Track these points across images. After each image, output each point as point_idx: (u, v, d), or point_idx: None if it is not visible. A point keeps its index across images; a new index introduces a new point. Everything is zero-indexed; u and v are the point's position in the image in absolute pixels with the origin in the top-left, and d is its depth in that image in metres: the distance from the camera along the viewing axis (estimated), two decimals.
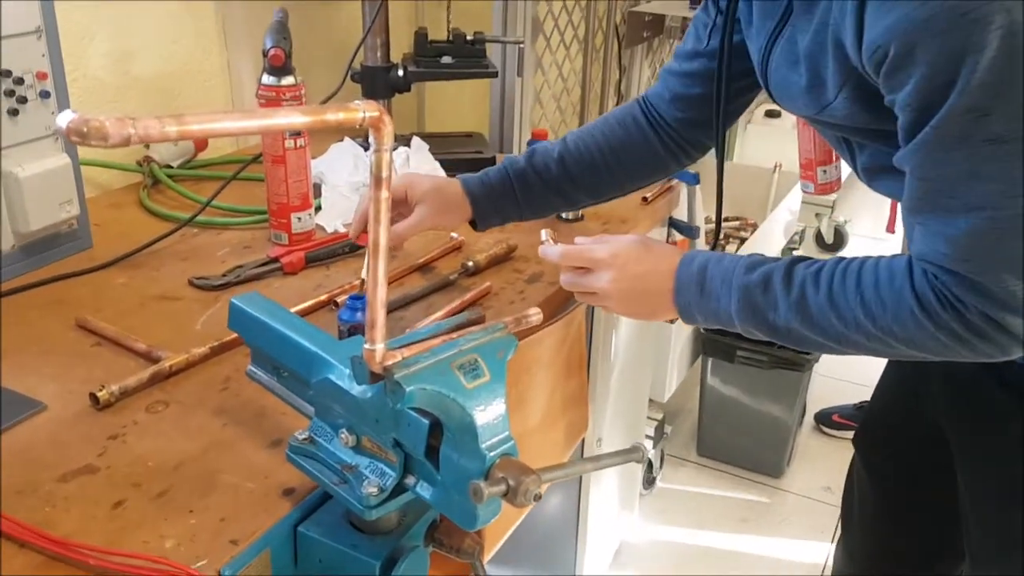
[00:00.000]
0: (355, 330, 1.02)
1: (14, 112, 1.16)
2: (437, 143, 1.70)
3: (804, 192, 2.22)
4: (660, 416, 2.13)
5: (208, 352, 1.03)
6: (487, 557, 1.18)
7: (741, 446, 2.28)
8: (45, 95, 1.20)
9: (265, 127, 0.52)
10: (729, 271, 0.88)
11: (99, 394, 0.94)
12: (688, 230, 1.70)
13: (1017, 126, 0.69)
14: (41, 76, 1.18)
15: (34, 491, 0.81)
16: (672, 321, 0.98)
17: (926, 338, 0.78)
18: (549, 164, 1.12)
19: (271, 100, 1.25)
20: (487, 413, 0.67)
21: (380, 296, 0.63)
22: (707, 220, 3.00)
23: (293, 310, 1.13)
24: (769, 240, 2.76)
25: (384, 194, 0.60)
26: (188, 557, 0.74)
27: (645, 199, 1.58)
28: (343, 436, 0.76)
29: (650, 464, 2.12)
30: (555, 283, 1.26)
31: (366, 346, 0.64)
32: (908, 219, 0.79)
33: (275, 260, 1.26)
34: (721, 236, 2.88)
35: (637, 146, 1.13)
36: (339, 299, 1.16)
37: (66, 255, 1.28)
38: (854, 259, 0.84)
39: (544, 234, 1.01)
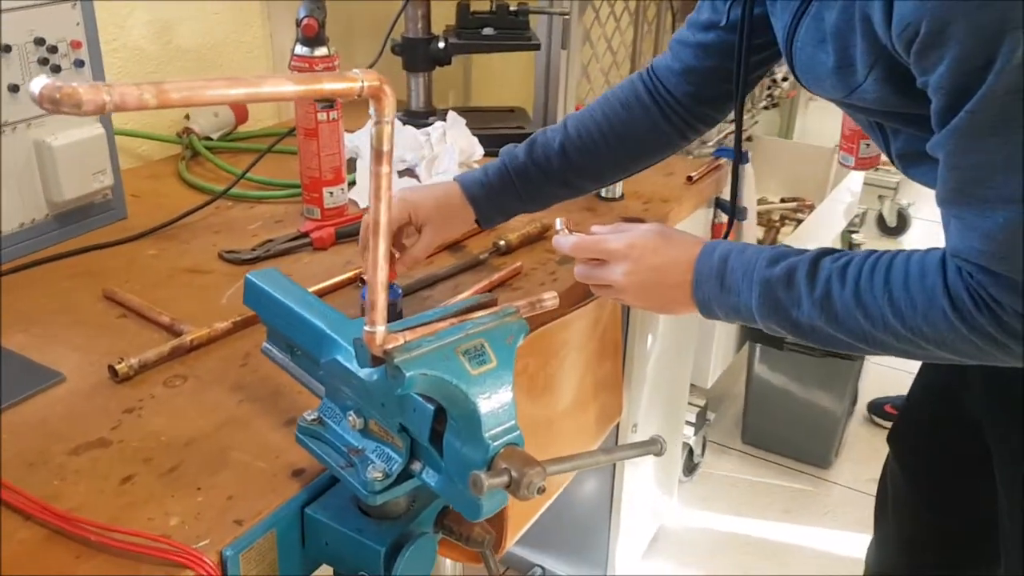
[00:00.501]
0: None
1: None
2: (477, 117, 1.67)
3: (842, 165, 2.13)
4: (703, 402, 2.08)
5: (230, 327, 1.02)
6: (510, 542, 1.16)
7: (787, 435, 2.22)
8: (79, 64, 1.19)
9: (251, 95, 0.49)
10: (751, 263, 0.83)
11: (118, 367, 0.93)
12: (736, 212, 1.63)
13: None
14: (75, 45, 1.18)
15: (45, 463, 0.81)
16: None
17: (959, 340, 0.72)
18: (550, 156, 1.07)
19: (303, 71, 1.23)
20: (491, 401, 0.64)
21: (381, 277, 0.60)
22: (763, 201, 2.93)
23: (320, 286, 1.12)
24: (827, 222, 2.67)
25: (385, 169, 0.57)
26: (191, 536, 0.73)
27: (690, 178, 1.53)
28: (351, 419, 0.74)
29: (691, 451, 2.07)
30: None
31: (366, 328, 0.61)
32: (943, 211, 0.73)
33: (305, 235, 1.24)
34: (777, 219, 2.80)
35: (641, 126, 1.07)
36: (366, 276, 1.14)
37: (100, 225, 1.28)
38: (885, 253, 0.78)
39: (559, 223, 0.96)
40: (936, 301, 0.72)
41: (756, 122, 3.20)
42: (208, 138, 1.59)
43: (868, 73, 0.76)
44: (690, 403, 2.06)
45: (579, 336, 1.20)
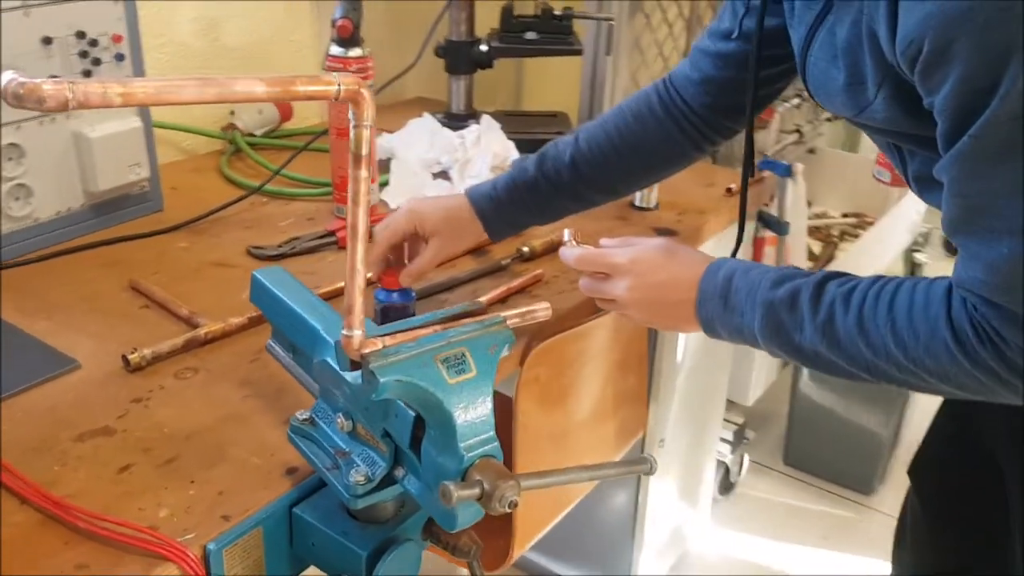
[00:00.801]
0: (388, 310, 1.00)
1: (87, 74, 1.18)
2: (517, 122, 1.66)
3: (878, 180, 2.05)
4: (741, 420, 2.03)
5: (245, 323, 1.03)
6: (518, 554, 1.14)
7: (831, 458, 2.16)
8: (120, 58, 1.22)
9: (221, 96, 0.49)
10: (755, 284, 0.80)
11: (131, 357, 0.95)
12: (778, 225, 1.59)
13: None
14: (116, 39, 1.21)
15: (49, 449, 0.83)
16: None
17: (961, 375, 0.69)
18: (560, 169, 1.04)
19: (338, 72, 1.23)
20: (468, 411, 0.62)
21: (359, 281, 0.59)
22: (823, 215, 2.86)
23: (338, 285, 1.12)
24: (887, 240, 2.59)
25: (363, 173, 0.57)
26: (178, 528, 0.73)
27: (729, 190, 1.50)
28: (339, 421, 0.74)
29: (727, 469, 2.03)
30: None
31: (344, 332, 0.61)
32: (950, 240, 0.70)
33: (331, 233, 1.25)
34: (836, 235, 2.72)
35: (654, 139, 1.04)
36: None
37: (136, 216, 1.30)
38: (894, 279, 0.75)
39: (567, 234, 0.94)
40: (938, 332, 0.69)
41: (820, 134, 3.12)
42: (251, 135, 1.61)
43: (877, 92, 0.73)
44: (728, 420, 2.01)
45: (597, 347, 1.18)
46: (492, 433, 0.64)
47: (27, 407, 0.89)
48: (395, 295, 1.00)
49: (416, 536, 0.78)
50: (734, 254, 1.01)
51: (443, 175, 1.45)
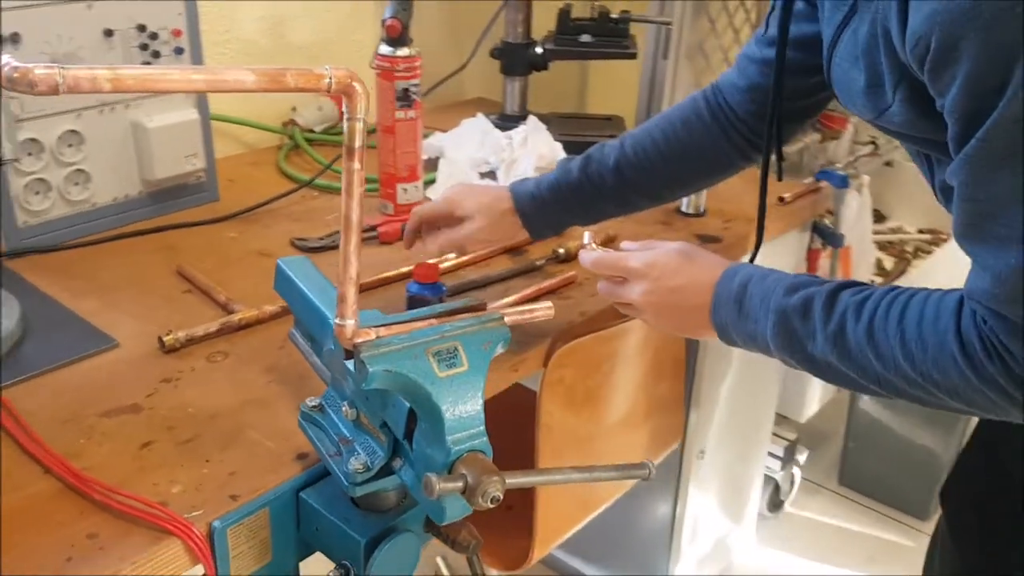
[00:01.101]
0: (416, 302, 1.01)
1: (146, 65, 1.23)
2: (570, 124, 1.66)
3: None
4: (793, 436, 1.98)
5: (278, 311, 1.06)
6: (539, 555, 1.14)
7: (887, 479, 2.09)
8: (179, 52, 1.26)
9: (209, 85, 0.51)
10: (769, 291, 0.79)
11: (165, 338, 0.98)
12: (832, 237, 1.55)
13: None
14: (176, 33, 1.25)
15: (78, 422, 0.86)
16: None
17: (970, 391, 0.66)
18: (604, 173, 1.03)
19: (386, 70, 1.26)
20: (457, 404, 0.63)
21: (351, 271, 0.61)
22: (897, 230, 2.77)
23: (373, 278, 1.14)
24: (961, 258, 2.50)
25: (356, 166, 0.58)
26: (187, 505, 0.76)
27: (782, 199, 1.47)
28: (344, 409, 0.75)
29: (777, 486, 1.98)
30: None
31: (336, 321, 0.62)
32: (962, 249, 0.67)
33: (373, 228, 1.27)
34: (910, 251, 2.64)
35: (700, 146, 1.03)
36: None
37: (192, 205, 1.35)
38: (908, 290, 0.72)
39: (587, 237, 0.94)
40: (947, 346, 0.67)
41: (897, 146, 3.03)
42: (311, 130, 1.65)
43: (894, 94, 0.71)
44: (779, 436, 1.97)
45: (629, 351, 1.18)
46: (481, 428, 0.64)
47: (62, 382, 0.93)
48: (426, 288, 1.01)
49: (417, 528, 0.79)
50: (752, 260, 0.99)
51: (491, 175, 1.46)
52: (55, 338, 0.99)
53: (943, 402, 0.70)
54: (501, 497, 0.62)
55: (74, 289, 1.11)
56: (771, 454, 1.93)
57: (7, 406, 0.86)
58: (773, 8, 0.95)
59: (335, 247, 1.24)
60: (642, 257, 0.87)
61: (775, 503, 2.02)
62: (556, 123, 1.68)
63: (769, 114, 0.93)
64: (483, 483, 0.61)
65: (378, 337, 0.63)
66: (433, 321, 0.66)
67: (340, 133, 1.69)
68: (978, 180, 0.63)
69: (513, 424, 1.35)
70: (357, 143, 0.56)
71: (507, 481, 0.62)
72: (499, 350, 0.67)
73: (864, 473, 2.13)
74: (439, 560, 1.80)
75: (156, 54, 1.23)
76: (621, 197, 1.05)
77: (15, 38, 1.09)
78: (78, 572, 0.69)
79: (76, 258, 1.19)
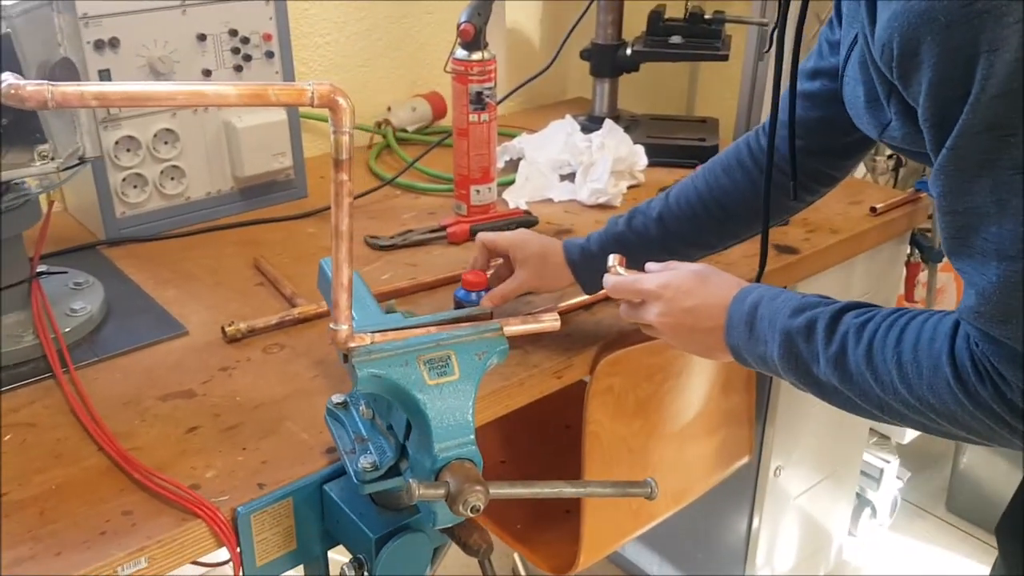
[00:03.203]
0: (462, 307, 1.03)
1: (238, 68, 1.30)
2: (660, 126, 1.64)
3: None
4: (893, 458, 1.88)
5: None
6: (584, 565, 1.14)
7: (996, 508, 1.95)
8: (269, 55, 1.33)
9: (191, 100, 0.54)
10: (777, 311, 0.77)
11: (228, 329, 1.04)
12: (930, 251, 1.47)
13: None
14: (266, 37, 1.31)
15: (136, 404, 0.93)
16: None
17: (967, 416, 0.62)
18: (648, 225, 1.02)
19: (460, 74, 1.28)
20: (445, 412, 0.64)
21: (343, 278, 0.63)
22: None
23: (434, 279, 1.16)
24: None
25: (344, 177, 0.60)
26: (217, 490, 0.80)
27: (874, 209, 1.40)
28: (362, 408, 0.78)
29: (873, 508, 1.89)
30: None
31: (330, 325, 0.64)
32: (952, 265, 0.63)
33: (443, 228, 1.30)
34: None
35: (743, 191, 0.99)
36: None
37: (280, 201, 1.42)
38: (910, 311, 0.69)
39: (611, 259, 0.92)
40: (941, 369, 0.64)
41: None
42: (404, 130, 1.70)
43: (889, 107, 0.68)
44: (879, 456, 1.88)
45: (691, 363, 1.15)
46: (471, 437, 0.65)
47: (132, 364, 1.00)
48: (472, 295, 1.03)
49: (429, 528, 0.80)
50: (758, 278, 0.95)
51: (571, 177, 1.46)
52: (133, 323, 1.07)
53: (945, 429, 0.66)
54: (482, 507, 0.63)
55: (159, 278, 1.19)
56: (867, 474, 1.84)
57: (76, 384, 0.94)
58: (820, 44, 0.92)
59: (406, 246, 1.28)
60: (657, 279, 0.86)
61: (871, 526, 1.93)
62: (647, 125, 1.66)
63: (789, 119, 0.89)
64: (464, 491, 0.62)
65: (372, 342, 0.65)
66: (431, 329, 0.67)
67: (432, 134, 1.73)
68: (954, 191, 0.59)
69: (564, 429, 1.35)
70: (344, 155, 0.58)
71: (491, 492, 0.63)
72: (494, 361, 0.68)
73: (973, 500, 2.00)
74: (516, 556, 1.82)
75: (247, 58, 1.30)
76: (666, 247, 1.03)
77: (114, 43, 1.17)
78: (109, 545, 0.74)
79: (166, 248, 1.27)
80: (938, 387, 0.64)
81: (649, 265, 0.90)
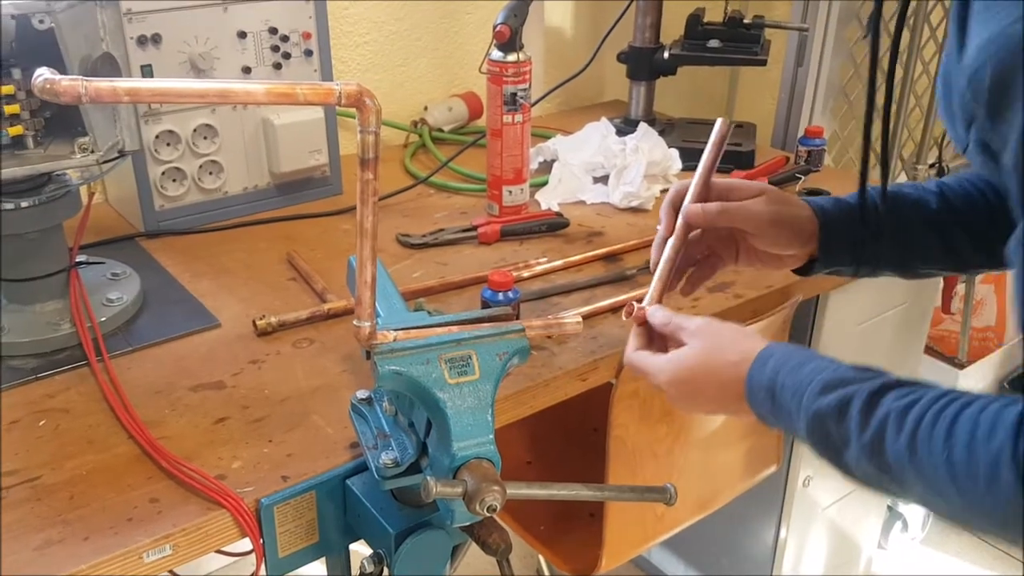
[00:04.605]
0: (489, 307, 1.03)
1: (277, 66, 1.32)
2: (696, 130, 1.63)
3: None
4: None
5: None
6: (605, 567, 1.14)
7: None
8: (308, 53, 1.34)
9: (222, 97, 0.55)
10: (803, 385, 0.69)
11: (259, 322, 1.05)
12: None
13: None
14: (306, 36, 1.33)
15: (168, 394, 0.94)
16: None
17: None
18: (925, 194, 0.87)
19: (495, 75, 1.29)
20: (464, 411, 0.65)
21: (367, 276, 0.63)
22: None
23: (463, 279, 1.17)
24: None
25: (369, 176, 0.60)
26: (242, 481, 0.82)
27: None
28: (385, 405, 0.79)
29: (904, 521, 1.86)
30: (741, 296, 1.15)
31: (354, 322, 0.65)
32: None
33: (474, 228, 1.30)
34: None
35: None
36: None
37: (316, 198, 1.43)
38: (961, 397, 0.61)
39: (636, 305, 0.84)
40: (999, 470, 0.56)
41: None
42: (440, 130, 1.70)
43: (967, 133, 0.60)
44: None
45: None
46: (489, 436, 0.66)
47: (165, 355, 1.02)
48: (498, 295, 1.03)
49: (449, 526, 0.81)
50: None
51: (604, 180, 1.46)
52: (167, 314, 1.09)
53: (1000, 534, 0.60)
54: (499, 507, 0.63)
55: (195, 270, 1.21)
56: None
57: (110, 372, 0.96)
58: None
59: (437, 244, 1.29)
60: (662, 374, 0.79)
61: (903, 539, 1.90)
62: (682, 129, 1.65)
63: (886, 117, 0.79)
64: (482, 491, 0.63)
65: (395, 340, 0.66)
66: (453, 328, 0.68)
67: (467, 134, 1.74)
68: None
69: (592, 432, 1.35)
70: (370, 155, 0.59)
71: (508, 492, 0.64)
72: (516, 361, 0.68)
73: None
74: (540, 559, 1.82)
75: (287, 55, 1.32)
76: (941, 225, 0.88)
77: (156, 39, 1.20)
78: (135, 531, 0.76)
79: (203, 242, 1.29)
80: (998, 492, 0.56)
81: (652, 310, 0.83)
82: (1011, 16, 0.49)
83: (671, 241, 0.87)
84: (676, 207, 0.88)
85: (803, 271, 0.90)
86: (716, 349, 0.77)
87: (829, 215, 0.87)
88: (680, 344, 0.80)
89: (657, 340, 0.84)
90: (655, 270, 0.87)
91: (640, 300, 0.85)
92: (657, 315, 0.83)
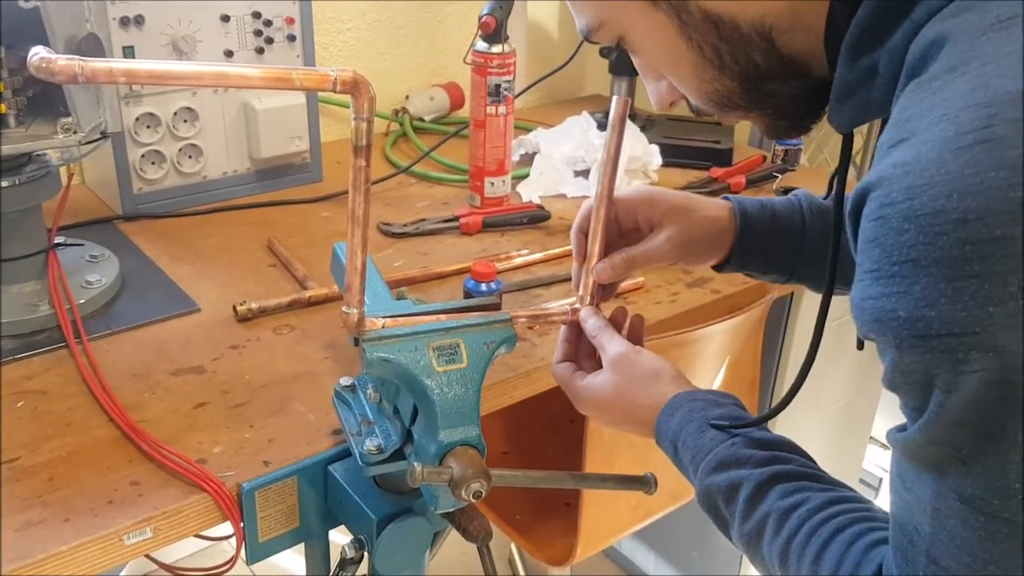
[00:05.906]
0: (470, 298, 1.04)
1: (260, 50, 1.31)
2: (677, 127, 1.64)
3: None
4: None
5: None
6: (580, 557, 1.16)
7: None
8: (291, 39, 1.34)
9: (216, 80, 0.55)
10: (700, 453, 0.70)
11: (239, 308, 1.05)
12: None
13: (1005, 503, 0.47)
14: (289, 21, 1.32)
15: (146, 378, 0.94)
16: None
17: None
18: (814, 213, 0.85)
19: (480, 66, 1.29)
20: (451, 399, 0.65)
21: (357, 263, 0.64)
22: None
23: (445, 269, 1.17)
24: None
25: (362, 163, 0.61)
26: (223, 466, 0.82)
27: None
28: (369, 392, 0.79)
29: None
30: (718, 292, 1.17)
31: (343, 309, 0.65)
32: None
33: (456, 219, 1.30)
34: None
35: None
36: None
37: (295, 184, 1.43)
38: (844, 511, 0.62)
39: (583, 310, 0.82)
40: None
41: None
42: (421, 119, 1.70)
43: None
44: (876, 464, 1.89)
45: (687, 364, 1.16)
46: (476, 424, 0.66)
47: (144, 338, 1.01)
48: (480, 285, 1.04)
49: (431, 512, 0.82)
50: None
51: (585, 173, 1.47)
52: (146, 298, 1.08)
53: None
54: (484, 493, 0.64)
55: (173, 254, 1.20)
56: (866, 483, 1.85)
57: (89, 354, 0.95)
58: None
59: (418, 234, 1.29)
60: (579, 401, 0.80)
61: None
62: (663, 125, 1.67)
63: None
64: (467, 477, 0.63)
65: (383, 327, 0.66)
66: (441, 316, 0.68)
67: (449, 124, 1.74)
68: (906, 469, 0.53)
69: (569, 423, 1.36)
70: (363, 142, 0.59)
71: (493, 479, 0.64)
72: (502, 351, 0.69)
73: None
74: (512, 547, 1.83)
75: (269, 40, 1.31)
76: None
77: (139, 20, 1.19)
78: (116, 513, 0.76)
79: (181, 226, 1.28)
80: None
81: (586, 316, 0.81)
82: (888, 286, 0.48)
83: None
84: (585, 231, 0.85)
85: (718, 268, 0.89)
86: (628, 390, 0.77)
87: (749, 218, 0.85)
88: (600, 362, 0.80)
89: (586, 343, 0.83)
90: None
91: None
92: (588, 321, 0.81)
